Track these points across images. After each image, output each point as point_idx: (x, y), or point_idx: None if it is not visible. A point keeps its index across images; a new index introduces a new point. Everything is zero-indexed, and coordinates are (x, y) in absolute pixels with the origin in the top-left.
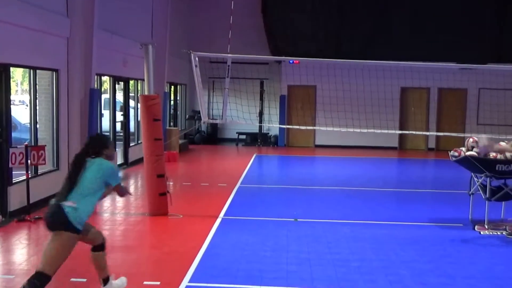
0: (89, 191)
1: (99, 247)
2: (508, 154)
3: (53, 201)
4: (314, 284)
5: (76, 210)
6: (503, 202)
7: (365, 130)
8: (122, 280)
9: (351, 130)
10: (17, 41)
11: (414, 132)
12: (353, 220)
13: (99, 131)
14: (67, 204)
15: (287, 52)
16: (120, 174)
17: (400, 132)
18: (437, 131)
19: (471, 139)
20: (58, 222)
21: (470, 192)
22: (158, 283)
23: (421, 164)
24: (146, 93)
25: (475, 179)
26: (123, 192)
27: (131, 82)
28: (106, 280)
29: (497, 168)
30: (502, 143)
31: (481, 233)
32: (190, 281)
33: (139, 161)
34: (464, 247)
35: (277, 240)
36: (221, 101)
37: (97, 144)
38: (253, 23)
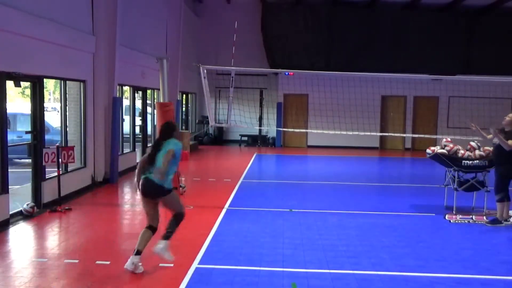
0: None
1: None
2: (477, 153)
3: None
4: (307, 266)
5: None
6: (474, 192)
7: (351, 133)
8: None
9: (338, 132)
10: (49, 56)
11: (392, 134)
12: (341, 210)
13: (120, 134)
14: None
15: (283, 65)
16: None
17: (381, 134)
18: (413, 133)
19: (444, 139)
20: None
21: (444, 184)
22: (172, 265)
23: (399, 162)
24: (161, 100)
25: (448, 173)
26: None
27: (148, 91)
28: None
29: (463, 164)
30: (472, 143)
31: (451, 221)
32: (199, 264)
33: None
34: (437, 233)
35: (274, 228)
36: (226, 107)
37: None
38: (254, 40)
